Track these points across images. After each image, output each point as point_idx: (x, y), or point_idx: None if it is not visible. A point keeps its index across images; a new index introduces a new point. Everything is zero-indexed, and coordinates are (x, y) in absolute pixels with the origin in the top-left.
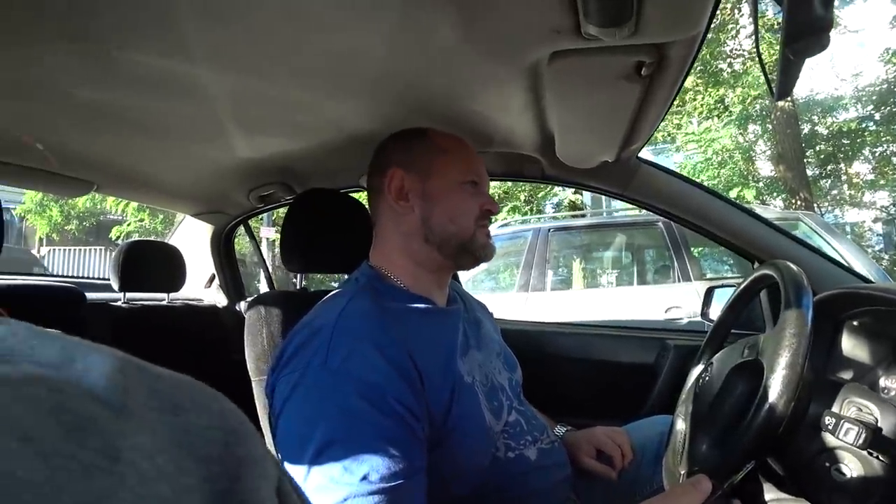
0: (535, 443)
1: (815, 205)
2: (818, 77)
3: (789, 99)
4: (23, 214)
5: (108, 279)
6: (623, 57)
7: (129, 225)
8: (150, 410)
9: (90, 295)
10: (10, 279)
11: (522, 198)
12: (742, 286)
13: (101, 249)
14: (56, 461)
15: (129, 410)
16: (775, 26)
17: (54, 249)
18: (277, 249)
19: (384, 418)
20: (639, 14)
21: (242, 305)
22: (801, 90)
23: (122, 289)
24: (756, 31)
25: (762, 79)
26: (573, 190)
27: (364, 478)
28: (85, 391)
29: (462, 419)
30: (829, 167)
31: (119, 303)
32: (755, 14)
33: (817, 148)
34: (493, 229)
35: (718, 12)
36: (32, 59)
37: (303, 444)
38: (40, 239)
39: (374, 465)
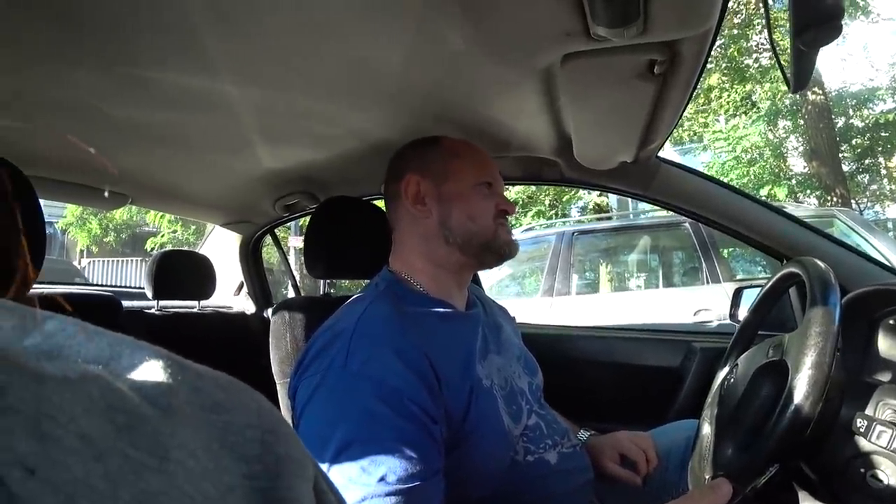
0: (555, 447)
1: (852, 201)
2: (851, 68)
3: (820, 92)
4: (65, 228)
5: (143, 288)
6: (634, 56)
7: (162, 236)
8: (192, 408)
9: (126, 303)
10: (52, 289)
11: (547, 202)
12: (768, 285)
13: (137, 260)
14: (110, 460)
15: (173, 409)
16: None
17: (94, 261)
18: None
19: (402, 421)
20: (646, 13)
21: (269, 312)
22: (833, 82)
23: (156, 297)
24: (767, 22)
25: None
26: (598, 193)
27: (381, 479)
28: (134, 390)
29: (480, 422)
30: (866, 161)
31: (153, 310)
32: (765, 3)
33: (853, 142)
34: (517, 234)
35: (742, 7)
36: (70, 80)
37: (323, 445)
38: (81, 251)
39: (391, 467)
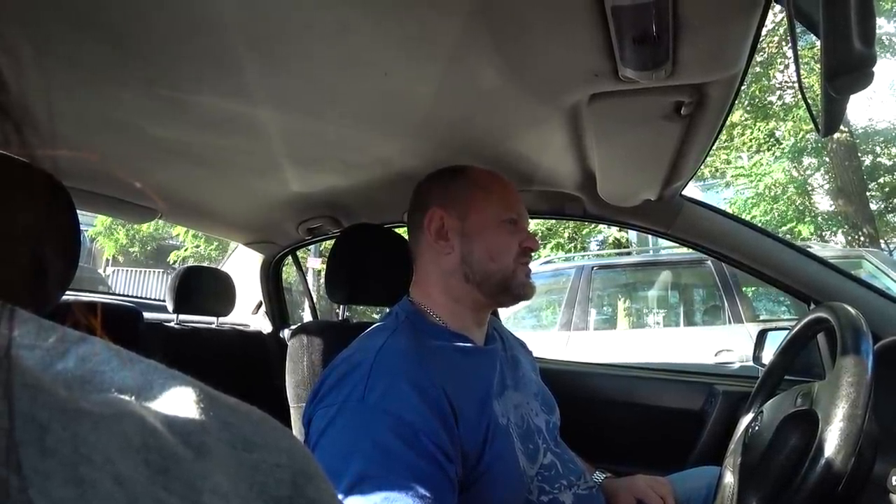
0: (570, 487)
1: (881, 241)
2: (877, 106)
3: (846, 130)
4: (93, 237)
5: (164, 301)
6: (662, 97)
7: (186, 250)
8: (224, 446)
9: (146, 315)
10: (76, 296)
11: (566, 235)
12: (795, 330)
13: (159, 272)
14: None
15: (206, 448)
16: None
17: (118, 270)
18: (323, 279)
19: (417, 458)
20: (675, 56)
21: (286, 333)
22: (859, 120)
23: (177, 311)
24: (797, 67)
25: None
26: (618, 228)
27: None
28: (167, 426)
29: (495, 461)
30: (895, 200)
31: (172, 324)
32: (794, 48)
33: (881, 180)
34: (536, 266)
35: (765, 46)
36: (115, 99)
37: (336, 478)
38: (107, 260)
39: None
